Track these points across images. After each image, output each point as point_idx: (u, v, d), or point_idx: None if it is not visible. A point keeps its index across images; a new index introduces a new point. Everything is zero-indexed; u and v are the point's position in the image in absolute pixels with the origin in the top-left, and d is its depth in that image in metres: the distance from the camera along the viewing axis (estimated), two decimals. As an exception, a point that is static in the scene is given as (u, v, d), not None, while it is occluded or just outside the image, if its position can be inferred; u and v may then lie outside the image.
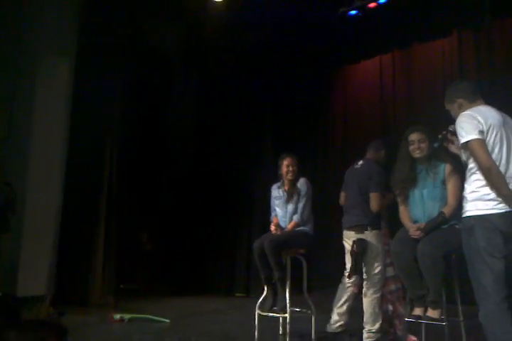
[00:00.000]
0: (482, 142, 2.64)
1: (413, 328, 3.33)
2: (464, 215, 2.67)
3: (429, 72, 6.54)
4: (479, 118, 2.69)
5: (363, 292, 3.89)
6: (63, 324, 1.62)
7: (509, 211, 2.54)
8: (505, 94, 5.59)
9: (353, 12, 6.81)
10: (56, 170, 6.00)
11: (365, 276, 3.90)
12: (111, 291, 6.08)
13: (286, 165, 4.33)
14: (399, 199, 3.48)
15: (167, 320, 4.84)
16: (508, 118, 2.85)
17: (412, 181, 3.39)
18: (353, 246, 3.85)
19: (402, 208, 3.45)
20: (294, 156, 4.39)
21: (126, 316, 4.88)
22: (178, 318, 5.00)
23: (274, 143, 7.13)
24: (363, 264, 3.88)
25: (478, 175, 2.65)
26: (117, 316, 4.85)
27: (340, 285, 4.18)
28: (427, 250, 3.05)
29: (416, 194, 3.38)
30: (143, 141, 7.46)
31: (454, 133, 2.93)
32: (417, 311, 3.15)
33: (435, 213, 3.25)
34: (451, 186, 3.30)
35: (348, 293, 4.11)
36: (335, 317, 4.13)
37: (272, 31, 6.90)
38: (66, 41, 6.20)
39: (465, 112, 2.77)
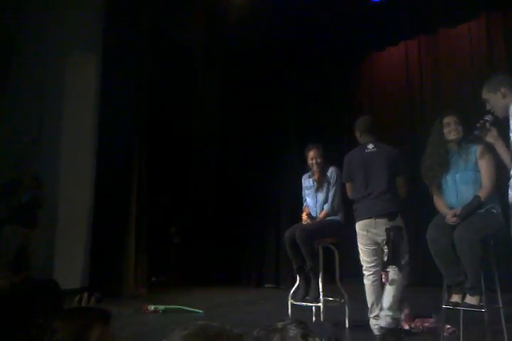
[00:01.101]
0: None
1: (450, 316, 3.28)
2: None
3: (456, 58, 6.41)
4: None
5: (391, 279, 3.68)
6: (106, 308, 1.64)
7: None
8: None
9: (377, -1, 6.73)
10: (87, 166, 6.10)
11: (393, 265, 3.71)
12: (143, 283, 6.17)
13: (310, 158, 4.33)
14: (432, 187, 3.41)
15: (200, 311, 4.89)
16: None
17: (445, 165, 3.33)
18: (389, 234, 3.56)
19: (435, 196, 3.38)
20: (319, 147, 4.36)
21: (160, 307, 4.94)
22: (210, 309, 5.04)
23: (298, 132, 7.09)
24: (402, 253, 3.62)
25: None
26: (151, 307, 4.92)
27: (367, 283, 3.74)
28: (464, 235, 3.00)
29: (449, 180, 3.31)
30: (170, 137, 7.50)
31: (492, 123, 2.93)
32: (455, 298, 3.09)
33: (469, 197, 3.17)
34: (484, 168, 3.21)
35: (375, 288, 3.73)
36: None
37: (296, 20, 6.86)
38: (92, 39, 6.28)
39: None
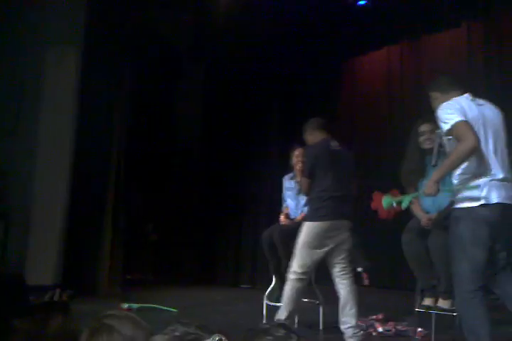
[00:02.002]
0: (468, 123, 2.62)
1: (423, 319, 3.32)
2: (455, 206, 2.72)
3: (436, 65, 6.49)
4: (459, 106, 2.71)
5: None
6: (66, 301, 1.64)
7: (497, 203, 2.57)
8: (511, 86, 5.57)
9: (362, 2, 6.79)
10: (64, 161, 6.01)
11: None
12: (118, 281, 6.09)
13: (296, 156, 4.32)
14: (409, 191, 3.46)
15: (175, 310, 4.86)
16: (486, 107, 2.82)
17: (420, 172, 3.38)
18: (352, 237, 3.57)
19: (412, 200, 3.44)
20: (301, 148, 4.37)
21: (134, 306, 4.88)
22: (185, 308, 5.01)
23: (280, 133, 7.10)
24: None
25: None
26: (125, 305, 4.86)
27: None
28: (439, 239, 3.06)
29: (425, 185, 3.37)
30: (150, 132, 7.44)
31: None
32: (428, 301, 3.15)
33: (445, 203, 3.24)
34: None
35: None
36: None
37: (280, 22, 6.86)
38: (73, 31, 6.18)
39: (443, 103, 2.79)
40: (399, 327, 3.88)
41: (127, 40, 6.42)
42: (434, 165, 3.01)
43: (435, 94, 2.95)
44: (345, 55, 7.32)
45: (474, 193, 2.61)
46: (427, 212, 3.32)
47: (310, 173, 3.51)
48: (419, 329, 3.58)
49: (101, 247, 5.98)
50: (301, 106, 7.31)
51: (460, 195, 2.68)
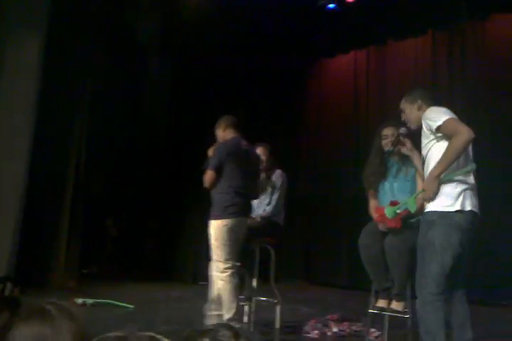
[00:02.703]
0: (458, 119, 2.70)
1: (376, 320, 3.40)
2: (428, 209, 2.73)
3: (401, 71, 6.64)
4: (446, 109, 2.81)
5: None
6: (16, 296, 1.59)
7: (470, 210, 2.65)
8: (474, 97, 5.75)
9: (332, 5, 6.86)
10: (22, 150, 5.83)
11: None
12: (73, 275, 5.98)
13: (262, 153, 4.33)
14: (369, 192, 3.53)
15: (131, 306, 4.81)
16: None
17: (381, 175, 3.44)
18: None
19: (372, 202, 3.50)
20: (266, 146, 4.38)
21: (89, 301, 4.81)
22: (142, 304, 4.97)
23: (247, 131, 7.08)
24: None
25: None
26: (79, 300, 4.78)
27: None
28: (395, 243, 3.12)
29: (386, 187, 3.43)
30: (113, 124, 7.30)
31: (405, 135, 3.12)
32: (381, 303, 3.22)
33: (403, 207, 3.31)
34: (421, 180, 3.36)
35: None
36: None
37: (249, 21, 6.86)
38: (36, 16, 5.99)
39: (432, 108, 2.87)
40: (353, 328, 3.96)
41: (93, 29, 6.28)
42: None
43: (420, 103, 2.97)
44: (314, 57, 7.39)
45: (449, 199, 2.65)
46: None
47: (218, 168, 3.59)
48: (373, 329, 3.67)
49: (57, 239, 5.85)
50: (267, 106, 7.35)
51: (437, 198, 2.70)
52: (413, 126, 3.05)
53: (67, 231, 5.92)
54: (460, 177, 2.70)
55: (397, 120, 3.68)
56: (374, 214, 3.37)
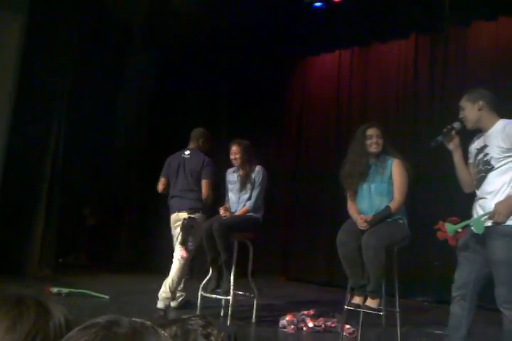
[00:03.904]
0: None
1: (351, 317, 3.48)
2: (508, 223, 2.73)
3: (384, 72, 6.72)
4: None
5: (179, 256, 4.40)
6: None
7: None
8: (454, 103, 5.86)
9: (318, 4, 6.89)
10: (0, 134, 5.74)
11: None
12: (49, 264, 5.93)
13: (231, 153, 4.39)
14: (348, 193, 3.58)
15: (106, 296, 4.80)
16: None
17: (361, 175, 3.49)
18: (183, 222, 4.33)
19: (350, 201, 3.56)
20: (240, 143, 4.41)
21: (64, 290, 4.78)
22: (118, 295, 4.97)
23: (229, 130, 7.09)
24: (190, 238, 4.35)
25: None
26: (54, 289, 4.75)
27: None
28: (371, 241, 3.19)
29: (364, 188, 3.49)
30: (91, 114, 7.21)
31: (458, 131, 3.02)
32: (357, 300, 3.29)
33: (382, 207, 3.39)
34: (397, 182, 3.43)
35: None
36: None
37: (234, 18, 6.84)
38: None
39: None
40: (328, 323, 4.03)
41: (75, 15, 6.19)
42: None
43: (482, 104, 2.93)
44: (298, 55, 7.43)
45: None
46: (363, 213, 3.43)
47: (163, 174, 4.71)
48: (347, 326, 3.75)
49: (33, 228, 5.79)
50: (250, 103, 7.37)
51: None
52: (469, 126, 2.99)
53: (44, 220, 5.86)
54: None
55: (377, 122, 3.75)
56: (354, 215, 3.43)
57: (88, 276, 6.11)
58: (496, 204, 2.76)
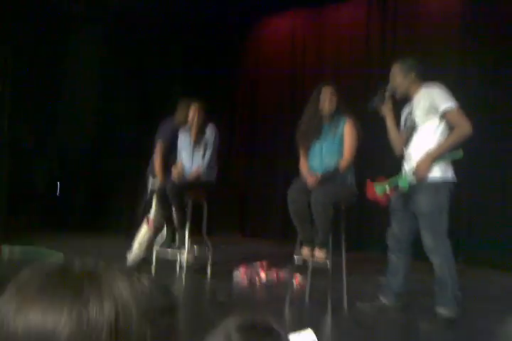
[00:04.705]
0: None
1: (301, 267, 3.67)
2: (434, 175, 3.06)
3: (337, 33, 6.75)
4: None
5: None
6: None
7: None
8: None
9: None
10: None
11: None
12: (1, 223, 5.84)
13: (191, 114, 4.39)
14: (301, 151, 3.69)
15: (60, 253, 4.79)
16: None
17: (315, 134, 3.60)
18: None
19: (302, 159, 3.68)
20: (196, 104, 4.43)
21: (16, 248, 4.76)
22: (71, 254, 4.98)
23: (183, 94, 6.98)
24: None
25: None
26: (6, 248, 4.72)
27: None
28: (320, 198, 3.34)
29: (316, 147, 3.61)
30: (38, 85, 6.92)
31: (390, 95, 3.27)
32: (305, 251, 3.48)
33: (331, 166, 3.53)
34: (348, 142, 3.56)
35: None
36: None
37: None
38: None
39: (439, 85, 3.14)
40: (280, 273, 4.23)
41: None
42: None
43: (413, 76, 3.20)
44: (251, 18, 7.32)
45: (448, 168, 3.07)
46: (314, 172, 3.57)
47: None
48: (298, 276, 3.96)
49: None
50: (204, 65, 7.28)
51: (443, 167, 3.06)
52: (399, 95, 3.27)
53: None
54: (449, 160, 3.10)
55: (334, 82, 3.83)
56: (309, 178, 3.52)
57: (42, 235, 6.01)
58: (417, 162, 3.07)
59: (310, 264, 3.56)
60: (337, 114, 3.60)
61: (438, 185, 3.07)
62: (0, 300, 0.65)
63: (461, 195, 5.39)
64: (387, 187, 3.17)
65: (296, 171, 3.75)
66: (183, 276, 4.21)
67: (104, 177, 7.24)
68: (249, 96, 7.49)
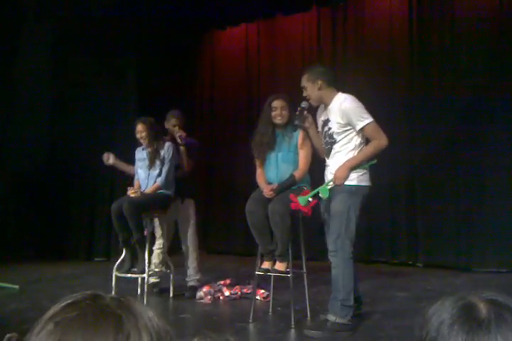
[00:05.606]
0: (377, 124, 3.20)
1: (263, 282, 3.59)
2: (352, 183, 3.16)
3: (290, 45, 6.82)
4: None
5: None
6: None
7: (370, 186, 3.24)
8: (355, 70, 6.09)
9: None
10: None
11: None
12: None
13: (136, 132, 4.33)
14: (257, 162, 3.67)
15: (15, 286, 4.60)
16: None
17: (269, 145, 3.58)
18: None
19: (259, 170, 3.66)
20: (146, 121, 4.34)
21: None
22: (28, 284, 4.77)
23: (139, 104, 6.88)
24: None
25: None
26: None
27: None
28: (277, 208, 3.30)
29: (272, 157, 3.60)
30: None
31: (307, 109, 3.36)
32: (266, 265, 3.41)
33: (287, 175, 3.50)
34: (303, 152, 3.57)
35: None
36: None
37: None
38: None
39: (350, 96, 3.23)
40: (244, 290, 4.15)
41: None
42: None
43: (320, 83, 3.25)
44: (206, 28, 7.33)
45: (364, 175, 3.19)
46: (271, 183, 3.54)
47: None
48: (261, 291, 3.88)
49: None
50: (161, 77, 7.19)
51: (359, 174, 3.19)
52: (314, 103, 3.35)
53: None
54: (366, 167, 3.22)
55: (285, 94, 3.84)
56: (262, 184, 3.52)
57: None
58: (336, 170, 3.19)
59: (272, 278, 3.47)
60: (290, 125, 3.59)
61: (352, 189, 3.17)
62: (37, 335, 0.66)
63: (417, 200, 5.56)
64: (309, 198, 3.25)
65: (255, 185, 3.71)
66: (145, 297, 4.05)
67: (60, 204, 6.96)
68: (207, 108, 7.46)
